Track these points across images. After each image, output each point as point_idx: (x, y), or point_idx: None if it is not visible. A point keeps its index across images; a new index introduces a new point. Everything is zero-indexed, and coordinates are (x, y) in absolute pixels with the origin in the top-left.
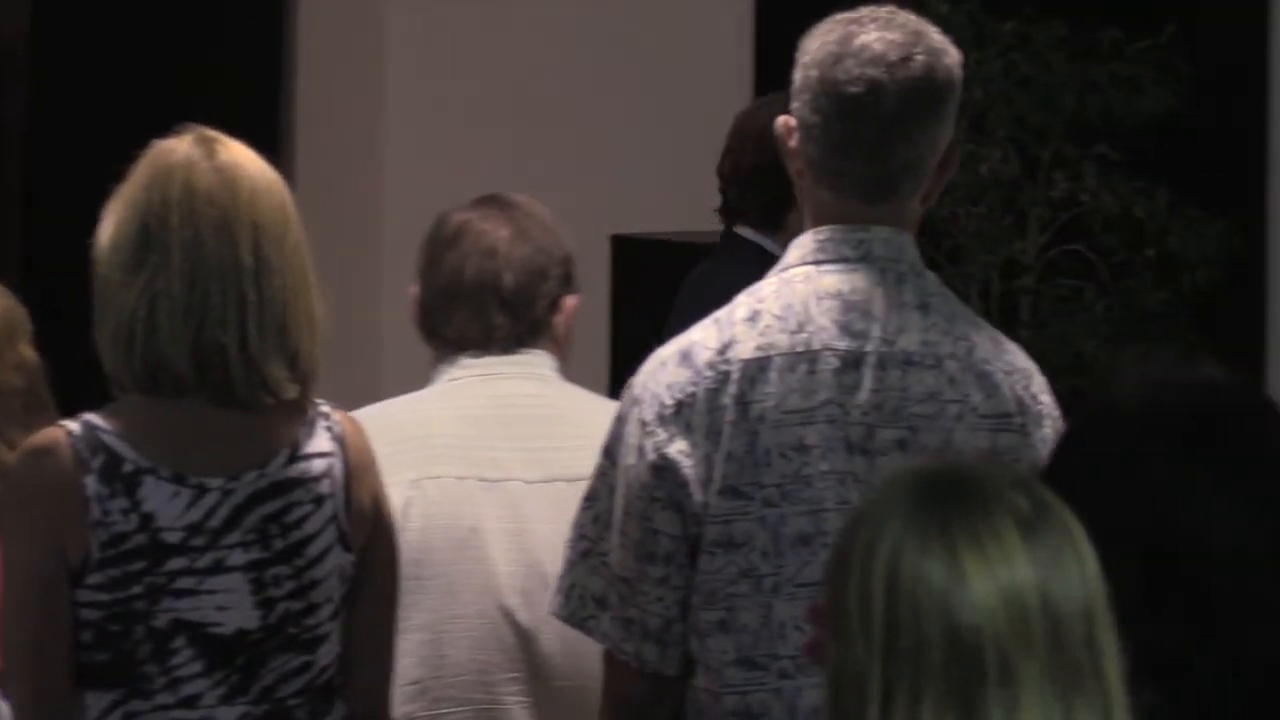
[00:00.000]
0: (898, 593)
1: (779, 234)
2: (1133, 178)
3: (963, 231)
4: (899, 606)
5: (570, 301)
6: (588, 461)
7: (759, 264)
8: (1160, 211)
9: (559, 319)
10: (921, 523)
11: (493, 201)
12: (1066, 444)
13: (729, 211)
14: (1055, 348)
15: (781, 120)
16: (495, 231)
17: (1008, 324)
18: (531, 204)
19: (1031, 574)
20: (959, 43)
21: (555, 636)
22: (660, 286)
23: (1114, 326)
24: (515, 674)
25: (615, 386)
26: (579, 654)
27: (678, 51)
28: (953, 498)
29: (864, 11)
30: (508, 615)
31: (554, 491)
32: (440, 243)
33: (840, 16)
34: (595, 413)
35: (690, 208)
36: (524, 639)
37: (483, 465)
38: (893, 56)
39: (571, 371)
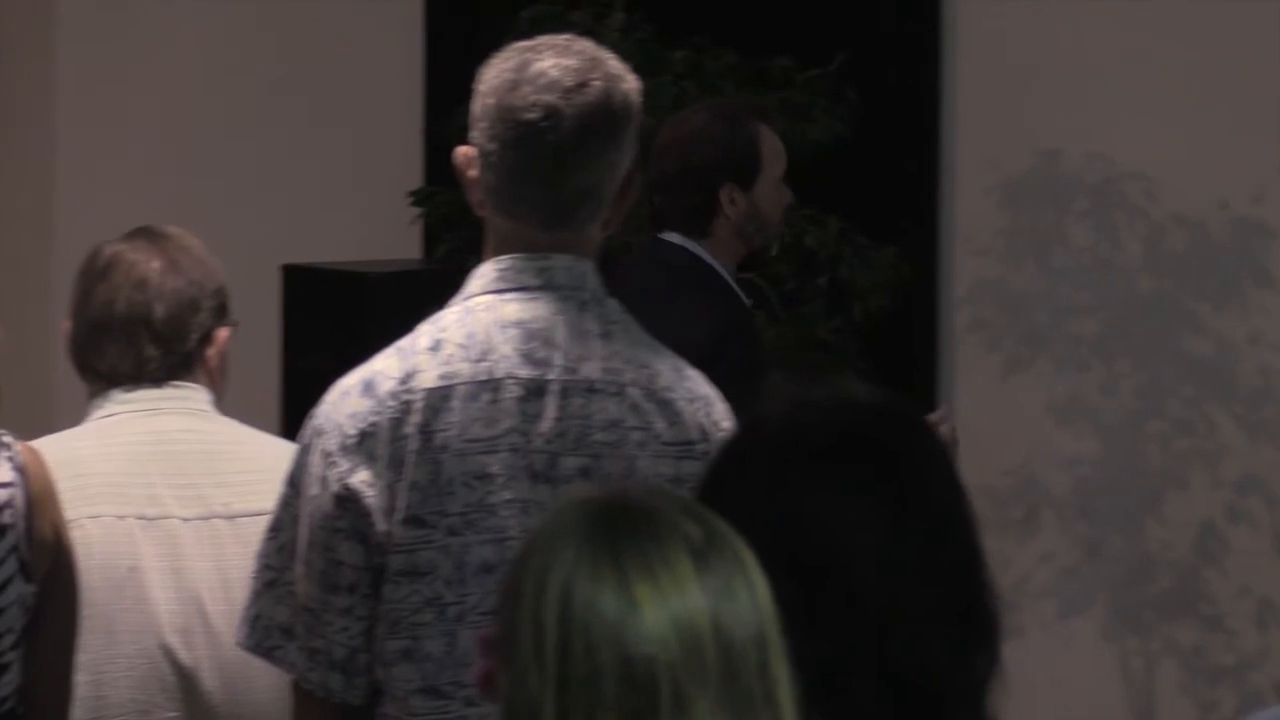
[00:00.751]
0: (570, 623)
1: (705, 240)
2: (803, 206)
3: None
4: (572, 636)
5: (223, 334)
6: (248, 498)
7: (698, 273)
8: (831, 240)
9: (211, 351)
10: (593, 552)
11: (145, 233)
12: (715, 466)
13: (655, 218)
14: None
15: (461, 150)
16: (147, 263)
17: None
18: (184, 235)
19: (704, 602)
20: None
21: (215, 675)
22: (331, 316)
23: (786, 354)
24: (175, 713)
25: (288, 416)
26: (239, 692)
27: (348, 81)
28: (624, 526)
29: (542, 39)
30: (168, 654)
31: (211, 529)
32: (92, 275)
33: (518, 44)
34: (255, 448)
35: (362, 237)
36: (184, 678)
37: (141, 503)
38: (569, 83)
39: (242, 400)
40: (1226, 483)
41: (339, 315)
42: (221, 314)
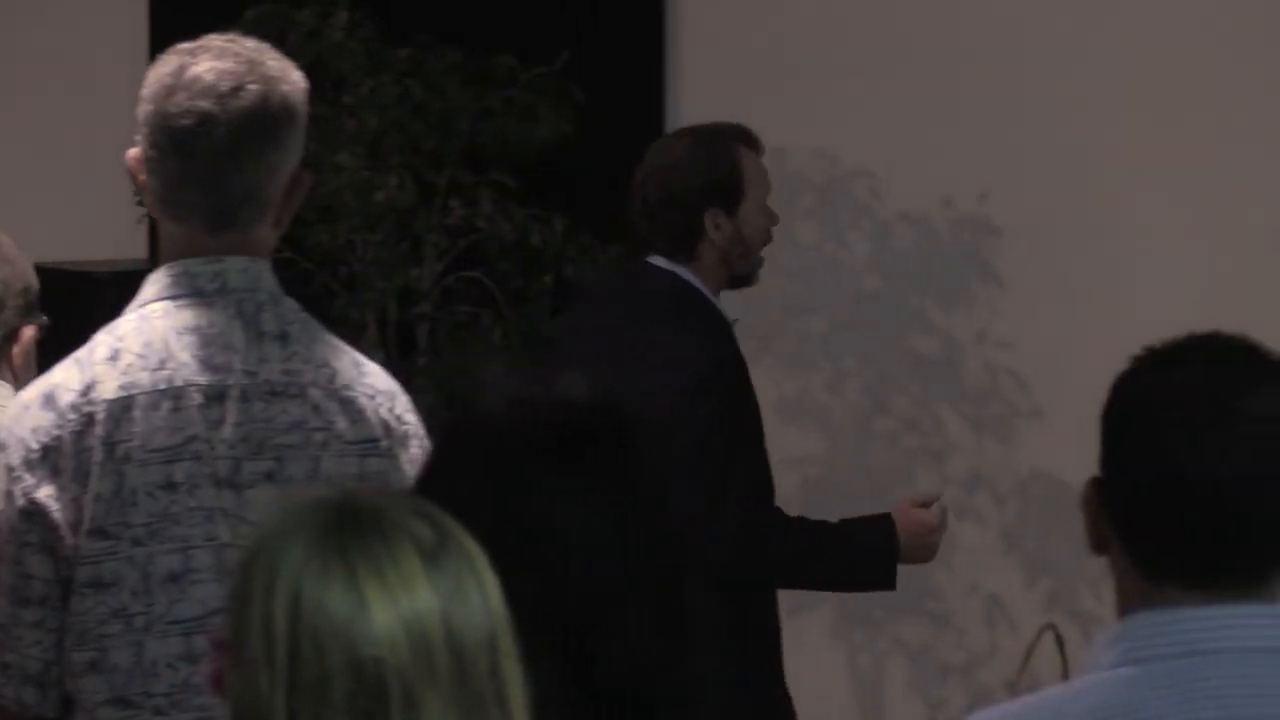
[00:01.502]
0: (300, 623)
1: (691, 265)
2: (528, 205)
3: (359, 259)
4: (301, 638)
5: (28, 332)
6: None
7: (683, 296)
8: (556, 238)
9: (16, 350)
10: (323, 552)
11: None
12: (431, 463)
13: (641, 243)
14: (453, 374)
15: (130, 154)
16: None
17: (406, 351)
18: None
19: (434, 603)
20: (354, 71)
21: None
22: (58, 316)
23: (511, 352)
24: None
25: None
26: None
27: (72, 82)
28: (353, 527)
29: (203, 40)
30: None
31: None
32: None
33: (180, 47)
34: None
35: (88, 237)
36: None
37: None
38: (224, 87)
39: None
40: (954, 480)
41: (65, 315)
42: (28, 312)
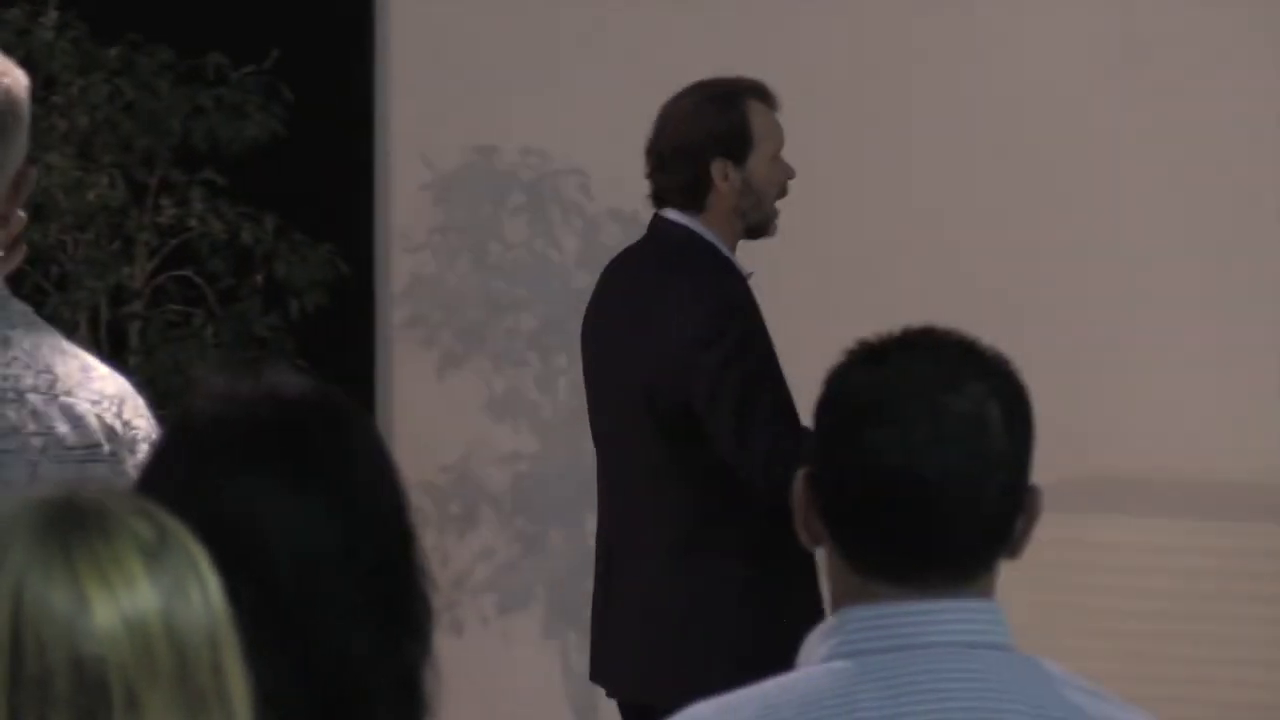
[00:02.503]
0: (23, 622)
1: (701, 215)
2: (240, 203)
3: (71, 259)
4: (24, 636)
5: None
6: None
7: (693, 246)
8: (267, 237)
9: None
10: (45, 551)
11: None
12: (148, 463)
13: (656, 196)
14: (165, 373)
15: None
16: None
17: (118, 350)
18: None
19: (156, 601)
20: (64, 70)
21: None
22: None
23: (223, 351)
24: None
25: None
26: None
27: None
28: (75, 525)
29: None
30: None
31: None
32: None
33: None
34: None
35: None
36: None
37: None
38: None
39: None
40: None
41: None
42: None
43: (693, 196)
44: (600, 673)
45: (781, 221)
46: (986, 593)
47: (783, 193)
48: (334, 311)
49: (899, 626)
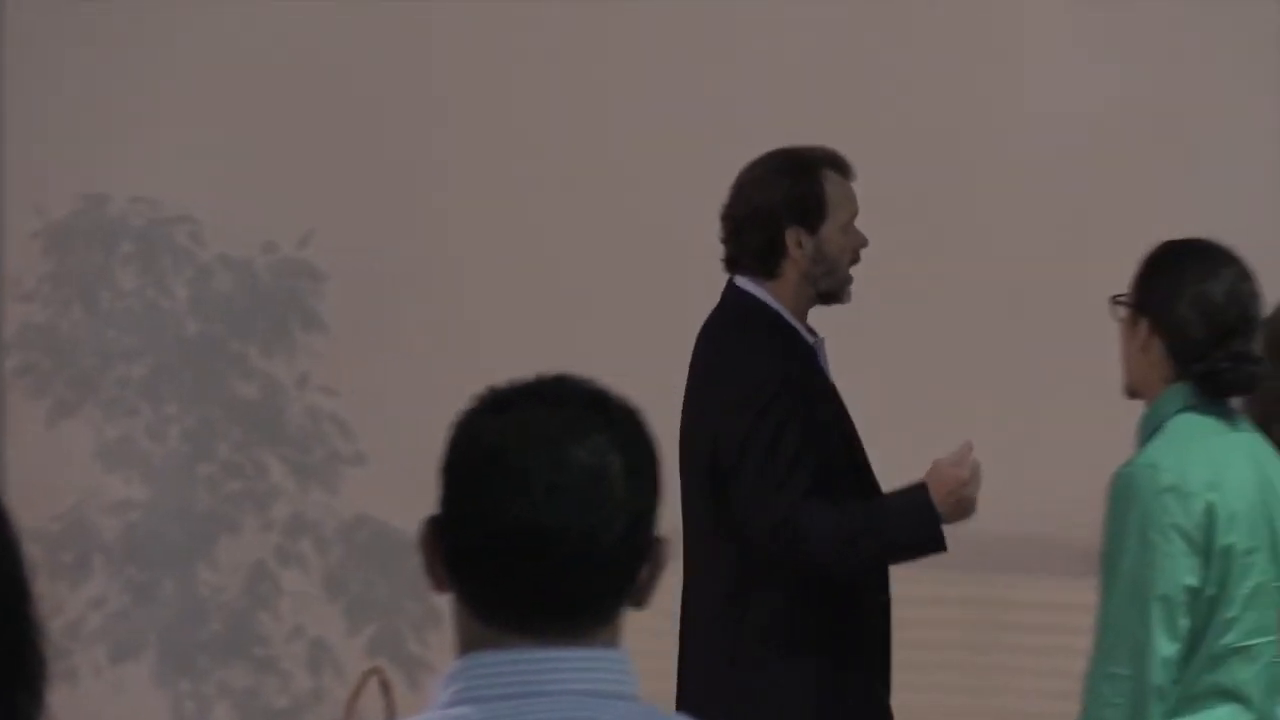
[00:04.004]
0: None
1: (772, 282)
2: None
3: None
4: None
5: None
6: None
7: (755, 314)
8: None
9: None
10: None
11: None
12: None
13: (730, 262)
14: None
15: None
16: None
17: None
18: None
19: None
20: None
21: None
22: None
23: None
24: None
25: None
26: None
27: None
28: None
29: None
30: None
31: None
32: None
33: None
34: None
35: None
36: None
37: None
38: None
39: None
40: (277, 524)
41: None
42: None
43: (765, 263)
44: None
45: None
46: (612, 641)
47: (855, 259)
48: None
49: (523, 673)
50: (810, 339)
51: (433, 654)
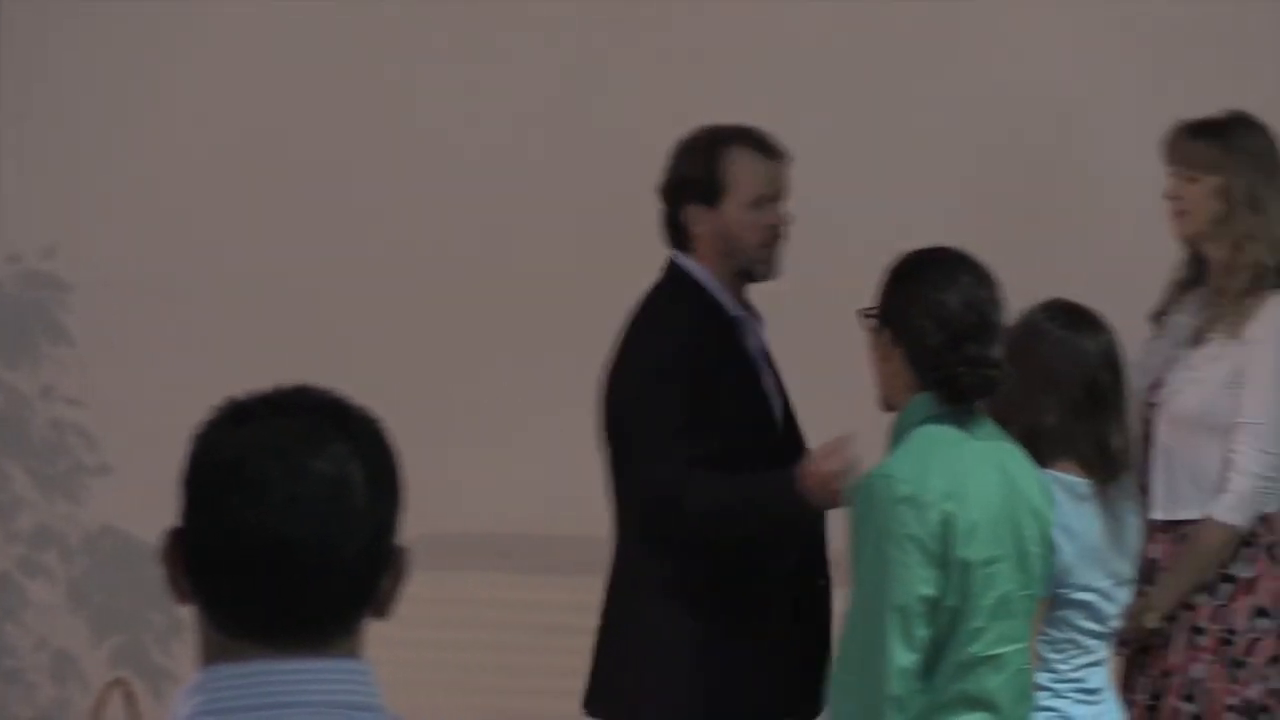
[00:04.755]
0: None
1: (692, 255)
2: None
3: None
4: None
5: None
6: None
7: (679, 285)
8: None
9: None
10: None
11: None
12: None
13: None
14: None
15: None
16: None
17: None
18: None
19: None
20: None
21: None
22: None
23: None
24: None
25: None
26: None
27: None
28: None
29: None
30: None
31: None
32: None
33: None
34: None
35: None
36: None
37: None
38: None
39: None
40: (21, 535)
41: None
42: None
43: (675, 238)
44: None
45: None
46: (354, 652)
47: (773, 238)
48: None
49: (264, 685)
50: (737, 313)
51: (177, 665)
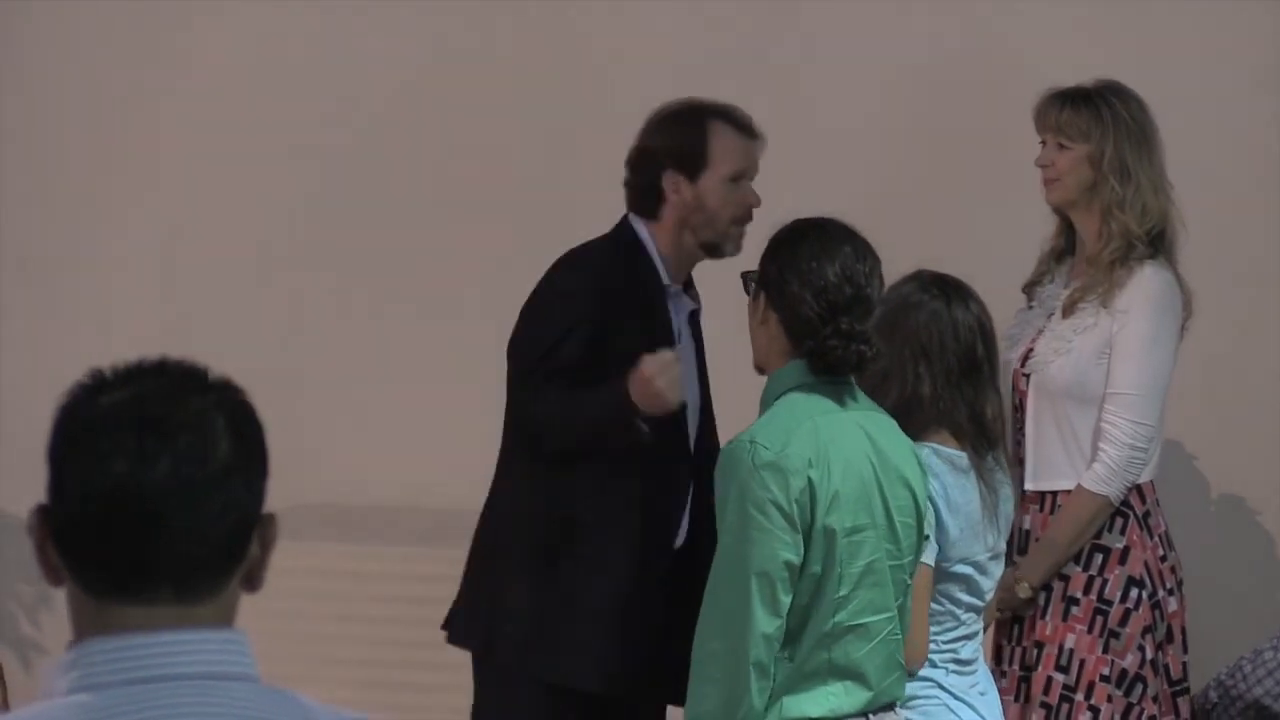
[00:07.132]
0: None
1: (655, 224)
2: None
3: None
4: None
5: None
6: None
7: (613, 238)
8: None
9: None
10: None
11: None
12: None
13: (627, 201)
14: None
15: None
16: None
17: None
18: None
19: None
20: None
21: None
22: None
23: None
24: None
25: None
26: None
27: None
28: None
29: None
30: None
31: None
32: None
33: None
34: None
35: None
36: None
37: None
38: None
39: None
40: None
41: None
42: None
43: (646, 203)
44: None
45: None
46: (226, 621)
47: (743, 217)
48: None
49: (140, 658)
50: (669, 284)
51: (46, 637)
